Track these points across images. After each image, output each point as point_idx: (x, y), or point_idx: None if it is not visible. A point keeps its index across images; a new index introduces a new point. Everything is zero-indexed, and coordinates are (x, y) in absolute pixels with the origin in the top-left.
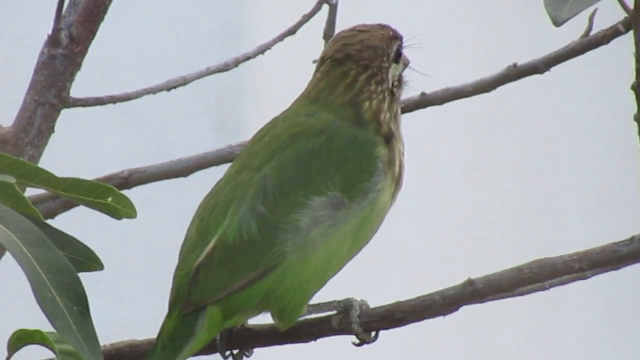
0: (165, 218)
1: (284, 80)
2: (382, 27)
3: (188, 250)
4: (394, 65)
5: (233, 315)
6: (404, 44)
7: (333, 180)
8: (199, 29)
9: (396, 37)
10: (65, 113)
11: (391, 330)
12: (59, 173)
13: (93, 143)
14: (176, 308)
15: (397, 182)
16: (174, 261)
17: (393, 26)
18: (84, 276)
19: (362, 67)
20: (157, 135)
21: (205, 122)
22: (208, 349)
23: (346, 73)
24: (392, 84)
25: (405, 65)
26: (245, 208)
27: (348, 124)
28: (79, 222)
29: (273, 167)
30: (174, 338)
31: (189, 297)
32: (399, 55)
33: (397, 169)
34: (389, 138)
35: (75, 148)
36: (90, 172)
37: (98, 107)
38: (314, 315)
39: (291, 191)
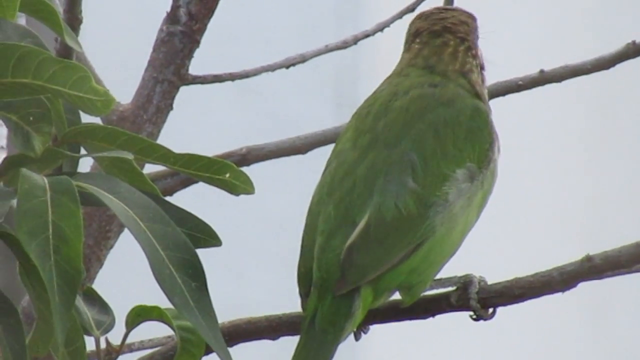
0: (283, 195)
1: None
2: (462, 10)
3: (330, 230)
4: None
5: (381, 294)
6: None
7: (468, 151)
8: (316, 5)
9: (475, 20)
10: (183, 90)
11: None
12: (177, 150)
13: (211, 120)
14: (326, 290)
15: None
16: (291, 238)
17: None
18: (201, 252)
19: (459, 39)
20: (274, 112)
21: (322, 100)
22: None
23: (446, 43)
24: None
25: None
26: (397, 184)
27: (468, 94)
28: (197, 199)
29: (413, 140)
30: (333, 322)
31: (344, 277)
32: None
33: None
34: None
35: (193, 125)
36: (208, 148)
37: (216, 84)
38: (432, 292)
39: (437, 164)
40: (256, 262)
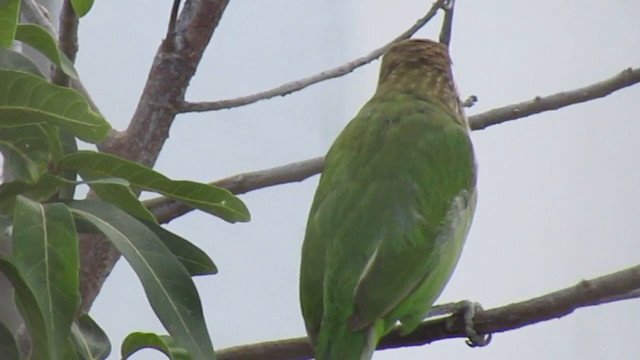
0: (279, 222)
1: None
2: (435, 42)
3: (340, 262)
4: None
5: (391, 324)
6: None
7: (459, 177)
8: (303, 32)
9: (448, 52)
10: (176, 117)
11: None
12: (173, 177)
13: (202, 146)
14: (340, 324)
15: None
16: (287, 265)
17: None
18: (196, 279)
19: (437, 71)
20: (263, 138)
21: (310, 126)
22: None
23: (424, 74)
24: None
25: None
26: (403, 216)
27: (451, 120)
28: (192, 226)
29: (410, 170)
30: (349, 355)
31: (359, 314)
32: None
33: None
34: None
35: (187, 152)
36: (202, 175)
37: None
38: (428, 318)
39: (436, 193)
40: (251, 288)
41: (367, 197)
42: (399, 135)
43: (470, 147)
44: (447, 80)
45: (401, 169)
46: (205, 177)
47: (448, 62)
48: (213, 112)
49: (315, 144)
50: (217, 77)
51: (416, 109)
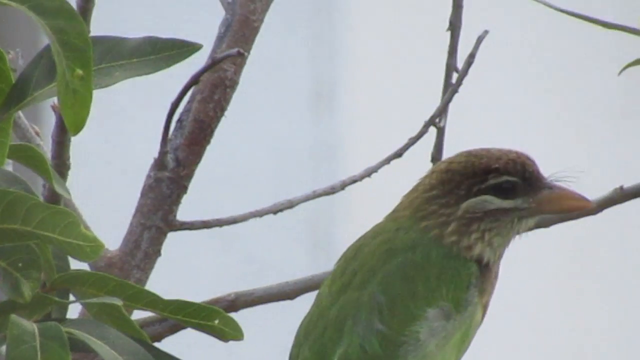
0: (271, 339)
1: (375, 201)
2: (482, 156)
3: None
4: (486, 197)
5: None
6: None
7: (440, 292)
8: (291, 148)
9: (496, 170)
10: (169, 235)
11: None
12: (166, 295)
13: (195, 264)
14: None
15: (484, 310)
16: None
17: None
18: None
19: (441, 192)
20: (254, 256)
21: (298, 243)
22: None
23: (430, 193)
24: (468, 212)
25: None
26: (363, 326)
27: (434, 241)
28: (186, 345)
29: (379, 283)
30: None
31: None
32: (499, 188)
33: (486, 298)
34: (482, 265)
35: (181, 270)
36: (195, 294)
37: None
38: None
39: (405, 305)
40: None
41: (335, 308)
42: (373, 250)
43: (460, 267)
44: (436, 198)
45: (371, 280)
46: (198, 295)
47: (459, 181)
48: (204, 230)
49: (304, 261)
50: (207, 194)
51: (395, 228)
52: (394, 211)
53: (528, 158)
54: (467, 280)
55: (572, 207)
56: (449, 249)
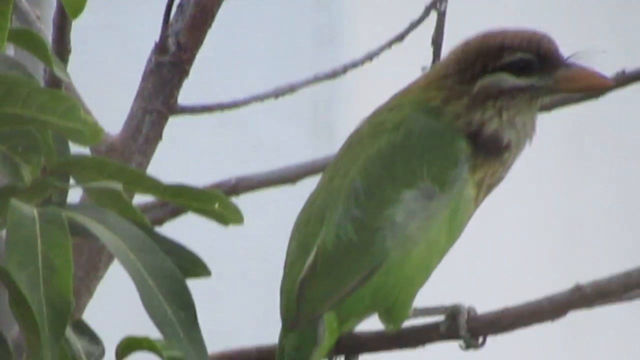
0: (273, 225)
1: (376, 85)
2: (498, 34)
3: (291, 263)
4: (502, 74)
5: (348, 319)
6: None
7: (421, 171)
8: (293, 32)
9: (510, 47)
10: (170, 119)
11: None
12: (166, 180)
13: (196, 149)
14: (289, 322)
15: (482, 189)
16: (280, 268)
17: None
18: (191, 282)
19: (457, 69)
20: (255, 140)
21: (300, 126)
22: None
23: (446, 72)
24: (483, 89)
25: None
26: (339, 214)
27: (424, 116)
28: (186, 229)
29: (359, 168)
30: (299, 349)
31: (298, 312)
32: (514, 65)
33: (481, 176)
34: (502, 144)
35: (182, 154)
36: (196, 178)
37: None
38: (421, 321)
39: (381, 189)
40: (245, 291)
41: (320, 197)
42: (361, 136)
43: (446, 144)
44: (452, 75)
45: (352, 166)
46: (199, 179)
47: (474, 60)
48: (205, 114)
49: (305, 146)
50: (209, 79)
51: (387, 109)
52: (407, 87)
53: (545, 36)
54: (454, 157)
55: (592, 85)
56: (441, 124)
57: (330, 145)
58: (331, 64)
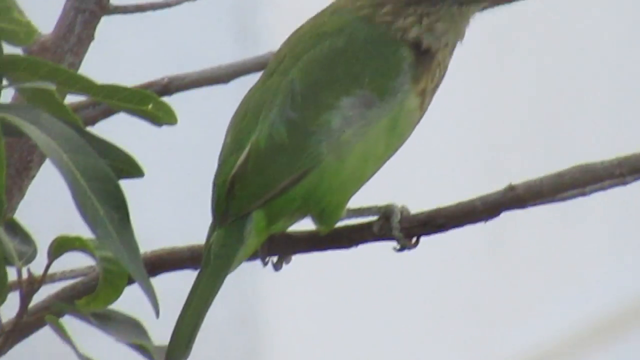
0: (205, 124)
1: None
2: None
3: (225, 158)
4: None
5: (277, 219)
6: None
7: (361, 79)
8: None
9: None
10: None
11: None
12: (99, 80)
13: (125, 49)
14: (218, 219)
15: (424, 99)
16: (214, 168)
17: None
18: (123, 183)
19: None
20: (183, 41)
21: (222, 29)
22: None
23: None
24: None
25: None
26: (275, 113)
27: (367, 24)
28: (119, 129)
29: (299, 69)
30: (225, 246)
31: (227, 208)
32: None
33: (424, 85)
34: (421, 50)
35: (113, 55)
36: (127, 79)
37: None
38: (354, 221)
39: (319, 93)
40: (178, 192)
41: (257, 94)
42: (302, 34)
43: (390, 53)
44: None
45: (292, 66)
46: (132, 79)
47: None
48: (137, 16)
49: (227, 47)
50: None
51: (330, 11)
52: None
53: None
54: (396, 66)
55: None
56: (381, 32)
57: (255, 48)
58: None
